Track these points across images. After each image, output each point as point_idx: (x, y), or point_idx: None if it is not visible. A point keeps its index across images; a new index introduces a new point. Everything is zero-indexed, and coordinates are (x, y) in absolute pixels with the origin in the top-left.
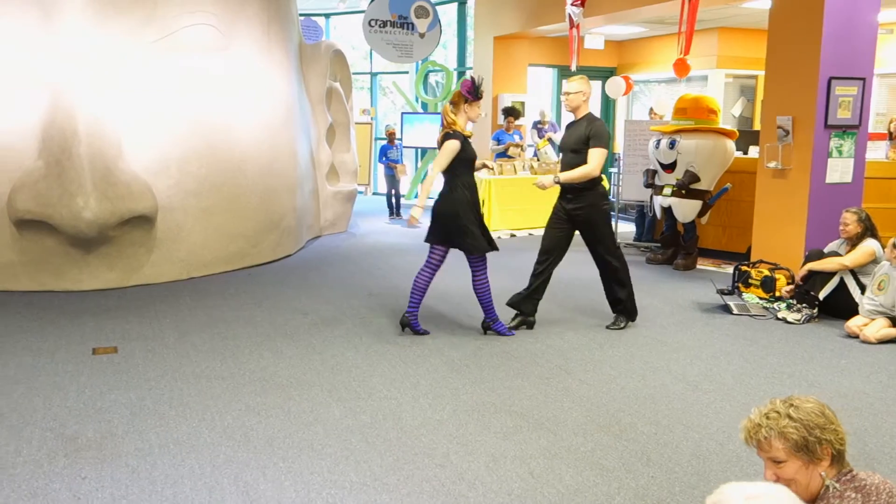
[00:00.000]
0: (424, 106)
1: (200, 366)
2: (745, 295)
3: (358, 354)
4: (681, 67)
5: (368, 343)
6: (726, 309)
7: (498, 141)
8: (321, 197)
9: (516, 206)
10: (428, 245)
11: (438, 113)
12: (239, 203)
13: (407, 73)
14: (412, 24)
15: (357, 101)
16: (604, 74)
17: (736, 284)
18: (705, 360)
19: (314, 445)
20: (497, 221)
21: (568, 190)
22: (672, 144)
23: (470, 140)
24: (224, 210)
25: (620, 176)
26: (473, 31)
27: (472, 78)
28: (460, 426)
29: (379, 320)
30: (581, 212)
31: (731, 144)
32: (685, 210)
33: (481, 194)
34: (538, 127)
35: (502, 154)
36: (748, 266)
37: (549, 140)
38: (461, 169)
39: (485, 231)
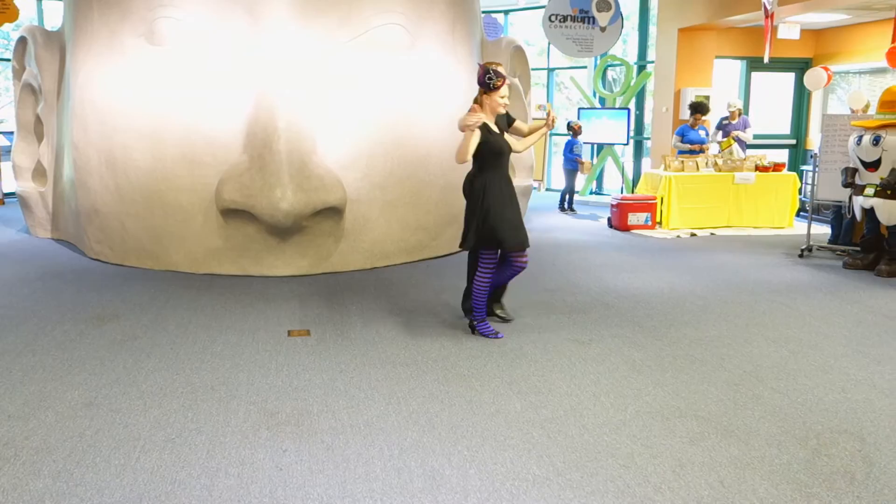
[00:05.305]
0: (602, 101)
1: (386, 352)
2: None
3: (536, 349)
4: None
5: (546, 338)
6: None
7: (682, 137)
8: None
9: (697, 203)
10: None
11: (616, 108)
12: (421, 197)
13: (585, 67)
14: (593, 18)
15: (533, 98)
16: (798, 66)
17: None
18: None
19: (497, 436)
20: (676, 219)
21: None
22: (876, 141)
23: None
24: (406, 203)
25: (816, 174)
26: (656, 23)
27: (484, 66)
28: (644, 428)
29: (557, 316)
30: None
31: None
32: (890, 211)
33: (660, 191)
34: (724, 124)
35: (686, 152)
36: None
37: (736, 138)
38: (487, 160)
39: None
